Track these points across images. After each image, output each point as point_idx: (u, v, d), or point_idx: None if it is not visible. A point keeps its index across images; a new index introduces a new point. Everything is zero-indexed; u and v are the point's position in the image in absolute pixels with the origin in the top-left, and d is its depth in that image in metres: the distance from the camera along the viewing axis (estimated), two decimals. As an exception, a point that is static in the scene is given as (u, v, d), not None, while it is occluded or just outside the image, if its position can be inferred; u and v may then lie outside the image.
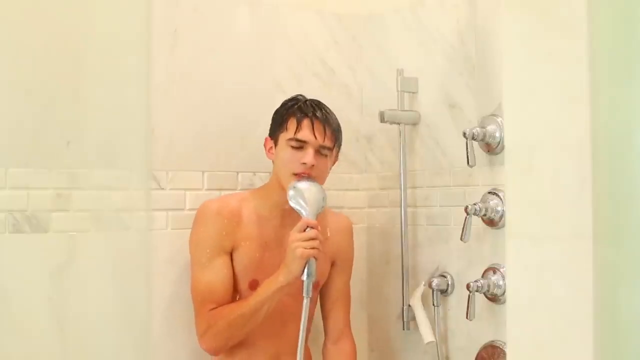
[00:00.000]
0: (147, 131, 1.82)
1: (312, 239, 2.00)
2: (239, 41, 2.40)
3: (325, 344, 2.31)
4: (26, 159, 1.87)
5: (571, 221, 1.05)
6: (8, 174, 1.90)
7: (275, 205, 2.16)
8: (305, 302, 1.99)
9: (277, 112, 2.20)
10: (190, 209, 2.28)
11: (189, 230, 2.19)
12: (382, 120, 2.38)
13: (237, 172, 2.38)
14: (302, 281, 2.00)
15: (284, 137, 2.13)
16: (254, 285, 2.14)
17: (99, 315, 1.69)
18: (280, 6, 2.47)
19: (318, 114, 2.14)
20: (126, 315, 1.63)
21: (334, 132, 2.16)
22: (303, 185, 2.07)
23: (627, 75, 0.99)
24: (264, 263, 2.15)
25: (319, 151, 2.12)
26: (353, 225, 2.40)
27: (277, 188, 2.15)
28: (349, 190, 2.58)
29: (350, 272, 2.34)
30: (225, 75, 2.37)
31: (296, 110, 2.14)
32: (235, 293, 2.16)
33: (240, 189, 2.37)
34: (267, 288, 2.06)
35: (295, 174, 2.09)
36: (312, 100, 2.19)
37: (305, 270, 1.99)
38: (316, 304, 2.29)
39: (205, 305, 2.11)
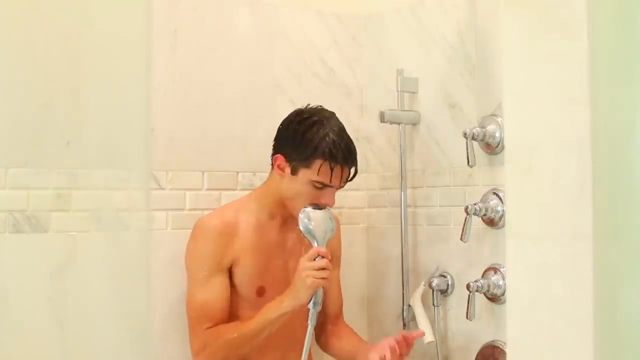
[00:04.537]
0: (147, 131, 1.82)
1: (323, 268, 1.99)
2: (239, 41, 2.40)
3: (323, 331, 2.31)
4: (26, 159, 1.87)
5: (571, 221, 1.05)
6: (8, 174, 1.90)
7: (275, 210, 2.15)
8: (310, 330, 1.98)
9: (300, 134, 2.08)
10: (190, 209, 2.28)
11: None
12: (382, 120, 2.38)
13: (237, 172, 2.38)
14: (308, 309, 1.99)
15: (306, 174, 2.07)
16: (261, 291, 2.13)
17: (99, 315, 1.69)
18: (280, 6, 2.47)
19: (348, 158, 2.08)
20: (126, 315, 1.63)
21: (356, 170, 2.14)
22: (313, 211, 2.06)
23: (627, 75, 0.99)
24: (269, 268, 2.15)
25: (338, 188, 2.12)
26: (353, 226, 2.41)
27: (276, 197, 2.14)
28: (349, 190, 2.58)
29: (339, 267, 2.35)
30: (225, 75, 2.37)
31: (326, 154, 2.05)
32: (241, 302, 2.15)
33: (240, 189, 2.37)
34: (271, 312, 2.04)
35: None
36: (340, 135, 2.08)
37: (313, 299, 1.98)
38: None
39: (202, 323, 2.10)
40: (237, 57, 2.39)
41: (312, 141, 2.06)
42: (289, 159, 2.10)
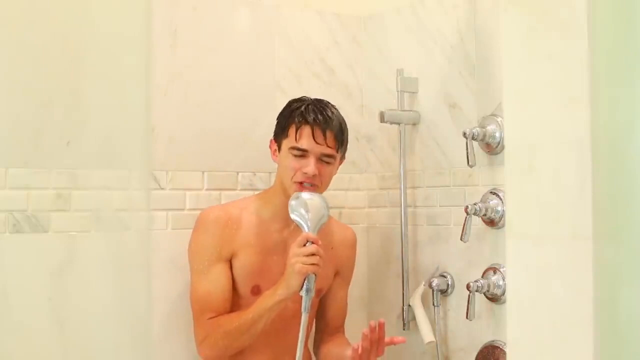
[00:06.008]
0: (147, 131, 1.82)
1: (312, 254, 1.97)
2: (239, 41, 2.40)
3: (319, 339, 2.32)
4: (26, 159, 1.87)
5: (571, 221, 1.05)
6: (8, 174, 1.90)
7: (279, 209, 2.15)
8: (304, 318, 1.96)
9: (281, 114, 2.17)
10: (190, 209, 2.28)
11: (189, 230, 2.19)
12: (382, 120, 2.38)
13: (237, 172, 2.38)
14: (301, 297, 1.98)
15: (286, 144, 2.11)
16: (256, 290, 2.14)
17: (99, 315, 1.69)
18: (280, 6, 2.48)
19: (319, 118, 2.09)
20: (126, 315, 1.63)
21: (337, 136, 2.11)
22: (305, 196, 2.04)
23: (627, 75, 0.99)
24: (267, 268, 2.15)
25: (320, 159, 2.09)
26: (353, 226, 2.41)
27: (280, 191, 2.14)
28: (349, 190, 2.58)
29: (349, 284, 2.36)
30: (225, 75, 2.37)
31: (297, 116, 2.10)
32: (237, 298, 2.15)
33: (240, 189, 2.37)
34: (266, 301, 2.04)
35: (298, 182, 2.08)
36: (315, 103, 2.14)
37: (304, 285, 1.96)
38: (316, 310, 2.29)
39: (204, 313, 2.11)
40: (237, 57, 2.40)
41: (288, 112, 2.14)
42: (276, 140, 2.16)
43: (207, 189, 2.33)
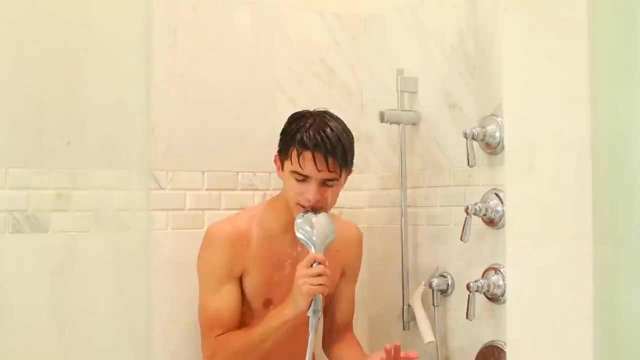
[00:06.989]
0: (147, 131, 1.82)
1: (320, 274, 1.96)
2: (239, 41, 2.40)
3: (329, 340, 2.31)
4: (26, 159, 1.87)
5: (571, 221, 1.05)
6: (8, 174, 1.90)
7: (288, 221, 2.11)
8: (311, 338, 1.96)
9: (284, 131, 2.10)
10: (190, 209, 2.28)
11: (189, 230, 2.19)
12: (382, 120, 2.38)
13: (237, 172, 2.38)
14: (308, 317, 1.97)
15: (287, 166, 2.06)
16: (267, 303, 2.13)
17: (99, 315, 1.69)
18: (280, 6, 2.48)
19: (320, 144, 2.01)
20: (126, 315, 1.63)
21: (339, 160, 2.04)
22: (311, 216, 2.03)
23: (627, 75, 0.99)
24: (278, 281, 2.14)
25: (323, 183, 2.05)
26: (353, 225, 2.40)
27: (287, 204, 2.12)
28: (349, 190, 2.58)
29: (357, 281, 2.35)
30: (225, 75, 2.37)
31: (298, 141, 2.02)
32: (248, 311, 2.15)
33: (240, 189, 2.37)
34: (273, 321, 2.03)
35: (301, 205, 2.06)
36: (318, 123, 2.05)
37: (312, 306, 1.96)
38: (325, 310, 2.28)
39: (213, 330, 2.10)
40: (237, 57, 2.40)
41: (290, 133, 2.06)
42: (279, 157, 2.11)
43: (207, 189, 2.33)
